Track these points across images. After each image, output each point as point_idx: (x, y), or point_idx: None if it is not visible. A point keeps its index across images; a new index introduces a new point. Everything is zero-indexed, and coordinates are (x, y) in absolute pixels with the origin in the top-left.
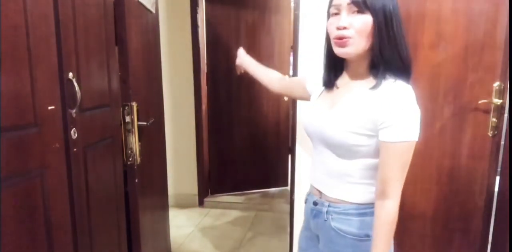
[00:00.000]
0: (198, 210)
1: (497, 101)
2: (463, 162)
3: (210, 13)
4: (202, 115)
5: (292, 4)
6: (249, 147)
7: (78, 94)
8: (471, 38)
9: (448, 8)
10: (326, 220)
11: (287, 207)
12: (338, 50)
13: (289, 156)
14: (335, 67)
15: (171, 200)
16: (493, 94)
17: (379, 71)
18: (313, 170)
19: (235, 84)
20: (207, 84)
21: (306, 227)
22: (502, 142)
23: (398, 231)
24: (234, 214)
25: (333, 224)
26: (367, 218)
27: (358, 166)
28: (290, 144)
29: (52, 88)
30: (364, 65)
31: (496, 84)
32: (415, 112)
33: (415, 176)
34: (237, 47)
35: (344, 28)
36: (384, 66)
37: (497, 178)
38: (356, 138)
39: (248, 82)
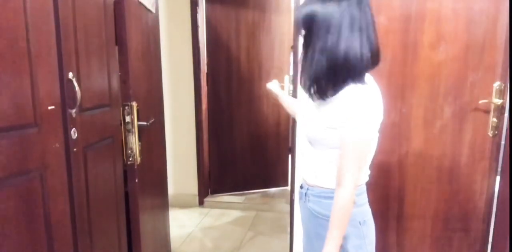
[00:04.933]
0: (198, 210)
1: (497, 101)
2: (463, 162)
3: (210, 13)
4: (202, 115)
5: (292, 4)
6: (249, 147)
7: (78, 94)
8: (471, 38)
9: (448, 8)
10: (305, 202)
11: (287, 207)
12: None
13: (289, 156)
14: None
15: (171, 200)
16: (493, 94)
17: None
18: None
19: (235, 84)
20: (207, 84)
21: None
22: (502, 142)
23: (398, 231)
24: (234, 214)
25: (309, 204)
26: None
27: (328, 156)
28: (290, 144)
29: (52, 88)
30: None
31: (496, 84)
32: (368, 111)
33: (415, 176)
34: (237, 47)
35: None
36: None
37: (497, 178)
38: (323, 132)
39: (248, 82)
